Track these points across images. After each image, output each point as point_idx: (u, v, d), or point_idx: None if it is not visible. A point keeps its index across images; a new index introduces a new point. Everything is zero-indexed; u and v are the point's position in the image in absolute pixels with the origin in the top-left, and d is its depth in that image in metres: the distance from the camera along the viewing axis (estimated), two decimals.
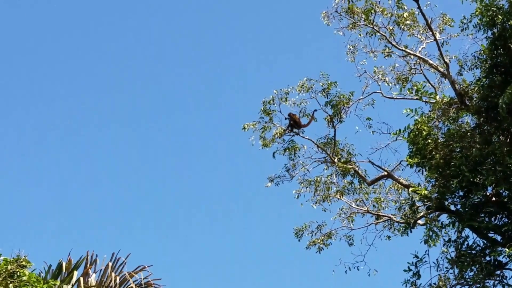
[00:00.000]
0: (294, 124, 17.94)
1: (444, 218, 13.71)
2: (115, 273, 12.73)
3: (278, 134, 18.01)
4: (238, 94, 36.06)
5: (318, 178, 18.59)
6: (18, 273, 10.78)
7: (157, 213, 33.92)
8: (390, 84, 18.36)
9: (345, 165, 17.78)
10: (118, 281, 12.61)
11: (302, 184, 18.58)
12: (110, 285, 12.56)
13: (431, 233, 13.01)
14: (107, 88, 36.35)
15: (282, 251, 31.60)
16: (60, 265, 12.68)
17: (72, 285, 12.24)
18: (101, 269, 12.86)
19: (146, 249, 29.33)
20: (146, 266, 12.81)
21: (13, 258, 10.96)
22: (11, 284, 10.66)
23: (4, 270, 10.76)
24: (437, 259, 13.14)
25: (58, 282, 11.65)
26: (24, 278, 10.71)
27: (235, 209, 33.88)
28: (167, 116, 36.41)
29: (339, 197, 18.68)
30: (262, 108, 17.94)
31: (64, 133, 35.43)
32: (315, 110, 18.02)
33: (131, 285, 12.63)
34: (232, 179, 34.61)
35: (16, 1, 35.78)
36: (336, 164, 17.83)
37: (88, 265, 12.70)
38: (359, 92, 18.19)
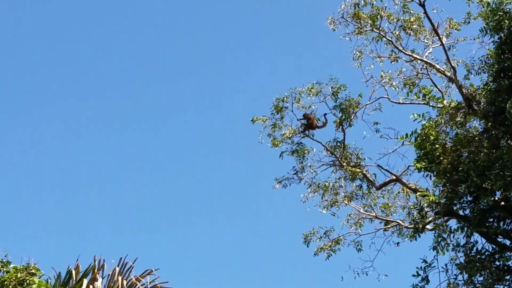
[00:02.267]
0: (309, 125, 17.88)
1: (452, 223, 13.70)
2: (122, 277, 12.80)
3: (288, 134, 17.96)
4: (242, 95, 36.20)
5: (326, 183, 18.59)
6: (28, 281, 10.83)
7: (164, 216, 34.05)
8: (397, 89, 18.40)
9: (354, 168, 17.76)
10: (125, 285, 12.67)
11: (310, 188, 18.57)
12: None
13: (440, 240, 12.97)
14: (110, 89, 36.54)
15: (290, 256, 31.61)
16: (69, 272, 12.73)
17: None
18: (108, 274, 12.93)
19: (153, 253, 29.46)
20: (153, 270, 12.89)
21: (23, 266, 11.03)
22: None
23: (14, 278, 10.82)
24: (445, 264, 13.12)
25: None
26: (34, 286, 10.77)
27: (242, 212, 33.96)
28: (172, 117, 36.58)
29: (347, 203, 18.68)
30: (274, 104, 17.88)
31: (69, 137, 35.61)
32: (326, 114, 18.01)
33: None
34: (239, 182, 34.69)
35: (17, 2, 35.99)
36: (345, 168, 17.82)
37: (95, 270, 12.76)
38: (366, 97, 18.24)
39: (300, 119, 17.89)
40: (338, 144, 18.06)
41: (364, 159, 18.08)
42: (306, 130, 17.92)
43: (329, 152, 18.11)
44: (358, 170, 17.78)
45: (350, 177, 18.01)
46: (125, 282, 12.70)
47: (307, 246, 18.70)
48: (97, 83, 36.53)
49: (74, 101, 35.89)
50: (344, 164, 17.84)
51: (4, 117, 35.12)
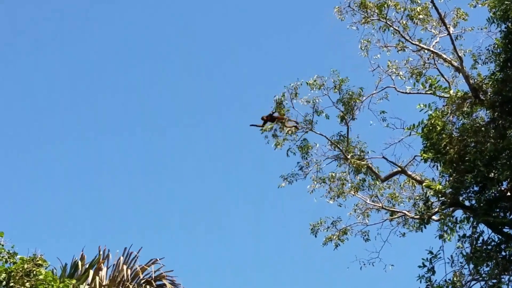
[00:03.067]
0: (267, 120, 17.97)
1: (458, 213, 13.65)
2: (127, 267, 12.86)
3: (290, 132, 17.98)
4: (245, 94, 36.26)
5: (333, 174, 18.56)
6: (34, 272, 10.88)
7: (169, 207, 34.26)
8: (404, 79, 18.34)
9: (358, 161, 17.73)
10: (130, 274, 12.74)
11: (315, 182, 18.55)
12: (123, 279, 12.68)
13: (445, 228, 12.94)
14: (115, 90, 36.68)
15: (295, 247, 31.68)
16: (75, 263, 12.80)
17: (88, 285, 12.35)
18: (114, 264, 13.00)
19: (158, 242, 29.68)
20: (158, 259, 12.95)
21: (29, 257, 11.08)
22: (27, 283, 10.77)
23: (20, 269, 10.87)
24: (451, 255, 13.08)
25: (74, 281, 11.75)
26: (41, 277, 10.81)
27: (247, 204, 34.02)
28: (175, 114, 36.67)
29: (353, 193, 18.65)
30: (275, 106, 17.88)
31: (75, 134, 35.79)
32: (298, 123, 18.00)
33: (143, 278, 12.77)
34: (244, 175, 34.80)
35: (17, 1, 36.05)
36: (349, 161, 17.79)
37: (101, 260, 12.82)
38: (372, 87, 18.22)
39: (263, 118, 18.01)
40: (342, 138, 18.05)
41: (368, 152, 18.08)
42: (265, 123, 17.95)
43: (333, 146, 18.09)
44: (363, 163, 17.74)
45: (355, 170, 17.98)
46: (130, 272, 12.76)
47: (315, 236, 18.70)
48: (108, 86, 36.77)
49: (80, 101, 36.13)
50: (349, 157, 17.82)
51: (10, 116, 35.33)
